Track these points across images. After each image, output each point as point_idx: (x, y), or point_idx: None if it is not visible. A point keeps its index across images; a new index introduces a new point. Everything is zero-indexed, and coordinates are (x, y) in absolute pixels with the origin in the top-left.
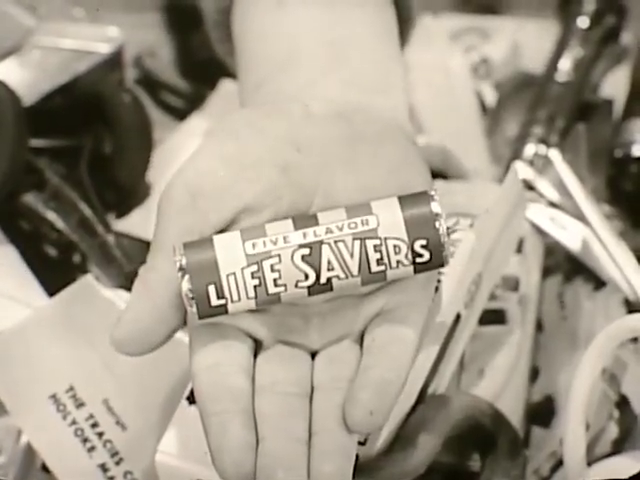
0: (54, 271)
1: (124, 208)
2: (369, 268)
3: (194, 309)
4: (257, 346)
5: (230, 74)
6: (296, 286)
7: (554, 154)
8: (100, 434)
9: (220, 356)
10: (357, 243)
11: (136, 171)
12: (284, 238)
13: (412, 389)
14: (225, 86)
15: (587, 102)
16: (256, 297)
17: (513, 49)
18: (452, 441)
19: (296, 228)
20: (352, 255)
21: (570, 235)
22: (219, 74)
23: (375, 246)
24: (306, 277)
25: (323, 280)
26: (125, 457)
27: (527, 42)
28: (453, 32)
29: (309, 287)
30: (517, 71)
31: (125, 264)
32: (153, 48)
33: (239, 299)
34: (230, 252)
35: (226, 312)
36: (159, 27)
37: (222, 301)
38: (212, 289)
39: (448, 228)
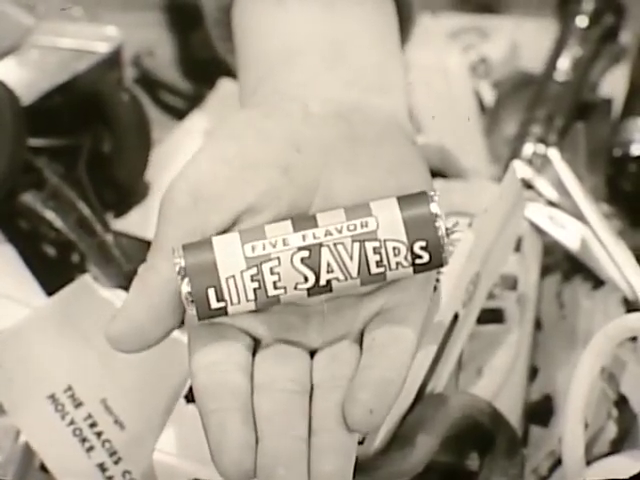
0: (53, 270)
1: (123, 207)
2: (369, 270)
3: (194, 311)
4: (256, 345)
5: (230, 73)
6: (295, 288)
7: (553, 153)
8: (98, 434)
9: (219, 355)
10: (356, 245)
11: (135, 170)
12: (283, 241)
13: (410, 388)
14: (224, 85)
15: (586, 101)
16: (256, 299)
17: (512, 48)
18: (450, 440)
19: (295, 230)
20: (351, 257)
21: (569, 234)
22: (218, 73)
23: (374, 248)
24: (305, 279)
25: (323, 282)
26: (124, 456)
27: (526, 41)
28: (452, 31)
29: (308, 289)
30: (516, 70)
31: (124, 263)
32: (152, 47)
33: (239, 302)
34: (229, 255)
35: (226, 314)
36: (158, 26)
37: (222, 304)
38: (212, 292)
39: (447, 229)
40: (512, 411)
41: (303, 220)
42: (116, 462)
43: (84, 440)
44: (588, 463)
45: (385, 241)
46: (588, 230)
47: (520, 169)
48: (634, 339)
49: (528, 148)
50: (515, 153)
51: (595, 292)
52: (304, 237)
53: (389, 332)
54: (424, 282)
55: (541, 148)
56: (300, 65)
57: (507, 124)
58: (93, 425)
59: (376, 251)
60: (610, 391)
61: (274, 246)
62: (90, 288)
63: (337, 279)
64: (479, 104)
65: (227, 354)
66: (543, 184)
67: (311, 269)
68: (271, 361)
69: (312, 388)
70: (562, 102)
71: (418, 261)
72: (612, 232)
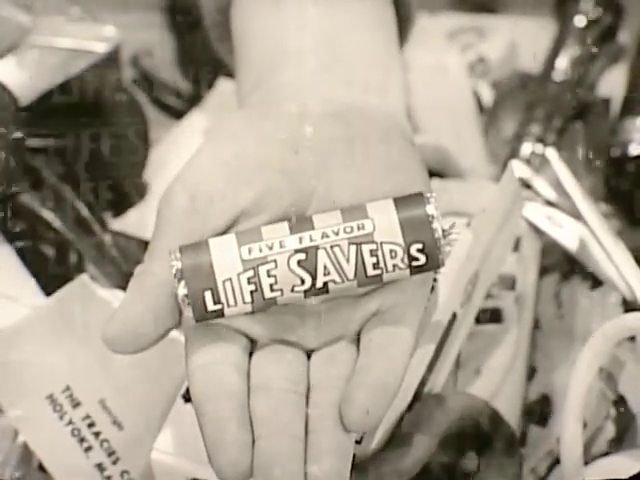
0: (51, 270)
1: (121, 207)
2: (365, 272)
3: (190, 314)
4: (253, 345)
5: (228, 73)
6: (292, 290)
7: (551, 153)
8: (97, 434)
9: (215, 355)
10: (353, 248)
11: (133, 170)
12: (280, 243)
13: (408, 388)
14: (223, 85)
15: (584, 101)
16: (252, 302)
17: (510, 48)
18: (448, 440)
19: (292, 232)
20: (348, 260)
21: (567, 234)
22: (217, 73)
23: (371, 251)
24: (302, 282)
25: (319, 284)
26: (122, 457)
27: (524, 41)
28: (450, 31)
29: (305, 291)
30: (514, 70)
31: (122, 263)
32: (150, 47)
33: (235, 304)
34: (226, 257)
35: (222, 316)
36: (156, 26)
37: (218, 306)
38: (208, 295)
39: (444, 230)
40: (510, 411)
41: (300, 222)
42: (114, 462)
43: (82, 440)
44: (586, 463)
45: (382, 243)
46: (586, 230)
47: (518, 169)
48: (632, 339)
49: (526, 148)
50: (513, 153)
51: (593, 292)
52: (301, 239)
53: (386, 332)
54: (421, 282)
55: (539, 148)
56: (299, 66)
57: (505, 124)
58: (91, 425)
59: (373, 253)
60: (608, 391)
61: (271, 248)
62: (88, 288)
63: (334, 281)
64: (477, 104)
65: (224, 355)
66: (541, 184)
67: (308, 272)
68: (267, 361)
69: (309, 389)
70: (560, 102)
71: (415, 263)
72: (611, 232)
